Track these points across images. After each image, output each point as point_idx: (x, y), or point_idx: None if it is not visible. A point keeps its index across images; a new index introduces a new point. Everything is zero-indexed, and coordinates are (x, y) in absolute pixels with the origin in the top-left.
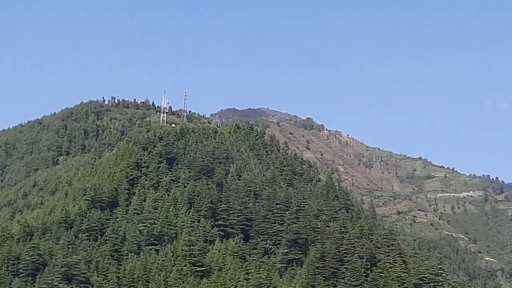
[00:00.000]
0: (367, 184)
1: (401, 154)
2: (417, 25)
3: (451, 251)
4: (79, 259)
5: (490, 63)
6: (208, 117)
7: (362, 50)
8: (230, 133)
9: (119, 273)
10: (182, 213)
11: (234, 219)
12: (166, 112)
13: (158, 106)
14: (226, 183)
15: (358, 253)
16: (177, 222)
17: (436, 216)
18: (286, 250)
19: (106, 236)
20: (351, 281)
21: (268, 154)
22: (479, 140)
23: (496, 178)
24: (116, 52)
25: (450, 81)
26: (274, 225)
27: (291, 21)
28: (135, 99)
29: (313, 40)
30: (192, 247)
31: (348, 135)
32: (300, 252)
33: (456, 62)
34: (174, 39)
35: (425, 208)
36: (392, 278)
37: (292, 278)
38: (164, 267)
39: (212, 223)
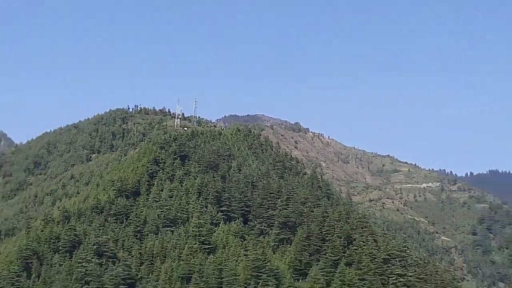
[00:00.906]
0: (345, 177)
1: (372, 152)
2: (387, 35)
3: (413, 232)
4: (108, 239)
5: (446, 77)
6: (214, 122)
7: (338, 63)
8: (232, 135)
9: (141, 250)
10: (193, 201)
11: (235, 206)
12: (180, 118)
13: (173, 113)
14: (229, 176)
15: (337, 233)
16: (188, 208)
17: (401, 203)
18: (278, 231)
19: (130, 219)
20: (331, 256)
21: (263, 152)
22: (437, 141)
23: (451, 172)
24: (139, 67)
25: (414, 90)
26: (268, 210)
27: (282, 40)
28: (154, 107)
29: (300, 59)
30: (200, 228)
31: (329, 136)
32: (289, 232)
33: (418, 76)
34: (188, 57)
35: (392, 197)
36: (365, 254)
37: (283, 254)
38: (178, 245)
39: (217, 209)
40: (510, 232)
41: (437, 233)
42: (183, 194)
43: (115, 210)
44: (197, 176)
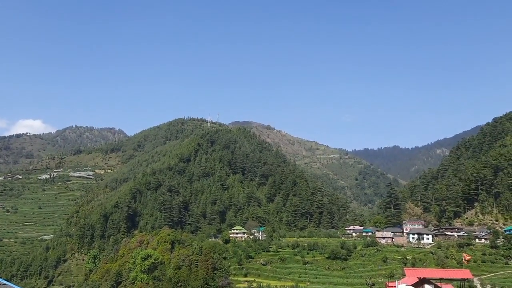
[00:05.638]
0: (292, 151)
1: (306, 139)
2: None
3: (326, 179)
4: (174, 183)
5: (346, 97)
6: (227, 124)
7: (294, 99)
8: (236, 131)
9: (191, 188)
10: (217, 163)
11: (238, 166)
12: (210, 122)
13: (206, 120)
14: (234, 151)
15: (288, 180)
16: (214, 167)
17: (320, 165)
18: (259, 179)
19: (185, 173)
20: (285, 191)
21: (252, 139)
22: (339, 133)
23: (345, 149)
24: (190, 95)
25: (328, 104)
26: (254, 168)
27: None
28: (197, 117)
29: (271, 93)
30: (222, 177)
31: (284, 131)
32: (265, 179)
33: (327, 94)
34: (214, 91)
35: (316, 161)
36: (303, 190)
37: (262, 190)
38: (209, 186)
39: (229, 168)
40: (374, 179)
41: (338, 179)
42: (212, 160)
43: (178, 168)
44: (219, 151)
